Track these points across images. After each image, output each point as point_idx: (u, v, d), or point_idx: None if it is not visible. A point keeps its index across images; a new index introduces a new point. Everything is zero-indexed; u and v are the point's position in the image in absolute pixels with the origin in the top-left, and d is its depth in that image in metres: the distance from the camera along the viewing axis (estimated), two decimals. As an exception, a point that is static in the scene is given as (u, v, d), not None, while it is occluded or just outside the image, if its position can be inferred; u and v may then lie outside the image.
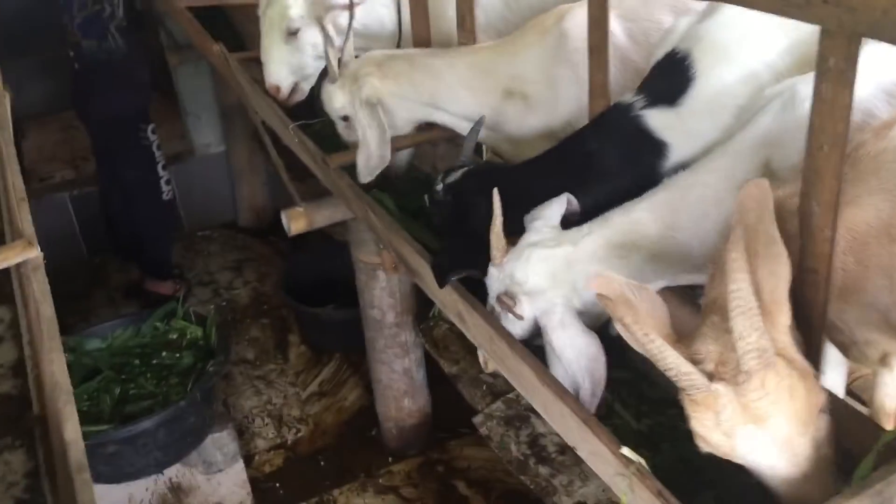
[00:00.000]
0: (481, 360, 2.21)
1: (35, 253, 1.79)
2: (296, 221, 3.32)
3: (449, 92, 2.44)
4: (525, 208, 1.94)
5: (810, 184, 1.42)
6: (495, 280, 1.76)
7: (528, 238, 1.77)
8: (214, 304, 5.44)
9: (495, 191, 1.78)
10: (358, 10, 2.82)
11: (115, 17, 4.57)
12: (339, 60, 2.51)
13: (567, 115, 2.41)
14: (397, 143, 2.50)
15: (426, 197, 2.15)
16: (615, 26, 2.20)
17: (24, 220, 1.92)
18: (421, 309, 3.90)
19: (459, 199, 2.05)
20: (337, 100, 2.49)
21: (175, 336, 3.94)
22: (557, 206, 1.81)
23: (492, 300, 1.76)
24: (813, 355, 1.57)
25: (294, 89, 2.90)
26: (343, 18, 2.67)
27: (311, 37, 2.74)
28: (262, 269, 5.90)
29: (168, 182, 5.04)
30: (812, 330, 1.54)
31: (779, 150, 1.65)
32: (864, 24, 1.24)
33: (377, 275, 3.75)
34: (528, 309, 1.70)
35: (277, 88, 2.82)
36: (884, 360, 1.62)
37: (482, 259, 2.00)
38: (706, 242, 1.65)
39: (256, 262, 5.96)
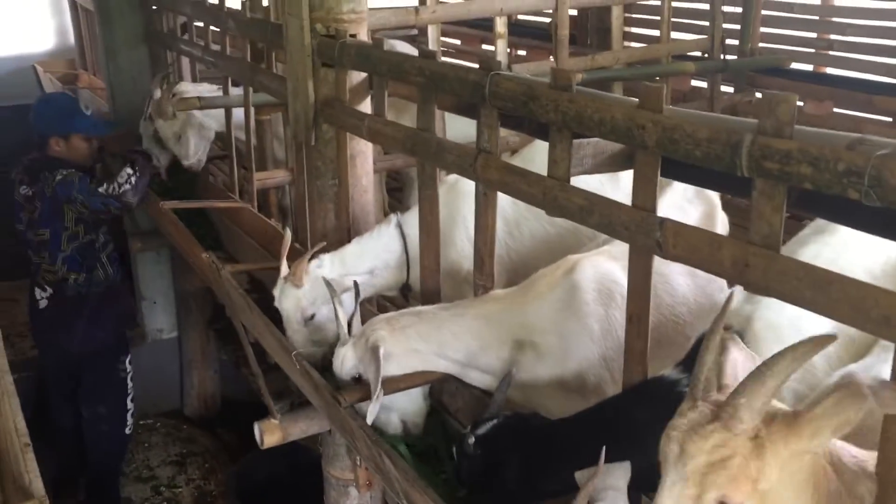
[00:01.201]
0: None
1: (48, 517, 1.64)
2: (270, 434, 3.19)
3: (456, 342, 2.43)
4: (561, 466, 1.89)
5: (887, 496, 1.42)
6: None
7: None
8: (152, 504, 5.12)
9: (603, 450, 1.73)
10: (364, 261, 2.94)
11: (108, 245, 4.52)
12: (350, 325, 2.52)
13: (578, 366, 2.42)
14: (410, 381, 2.45)
15: (454, 448, 2.07)
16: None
17: (32, 471, 1.78)
18: (389, 527, 3.73)
19: (491, 454, 1.99)
20: (349, 360, 2.46)
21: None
22: (622, 474, 1.78)
23: None
24: None
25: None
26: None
27: (327, 313, 2.83)
28: (206, 464, 5.62)
29: (132, 414, 4.88)
30: None
31: None
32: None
33: (348, 491, 3.59)
34: None
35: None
36: None
37: None
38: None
39: (201, 458, 5.68)
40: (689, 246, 1.75)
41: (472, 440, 2.01)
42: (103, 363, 4.61)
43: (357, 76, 3.16)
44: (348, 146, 3.21)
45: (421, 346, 2.42)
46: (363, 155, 3.34)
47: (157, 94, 4.39)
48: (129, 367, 4.73)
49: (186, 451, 5.73)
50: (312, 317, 2.88)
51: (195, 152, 4.56)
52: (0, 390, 2.14)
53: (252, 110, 4.18)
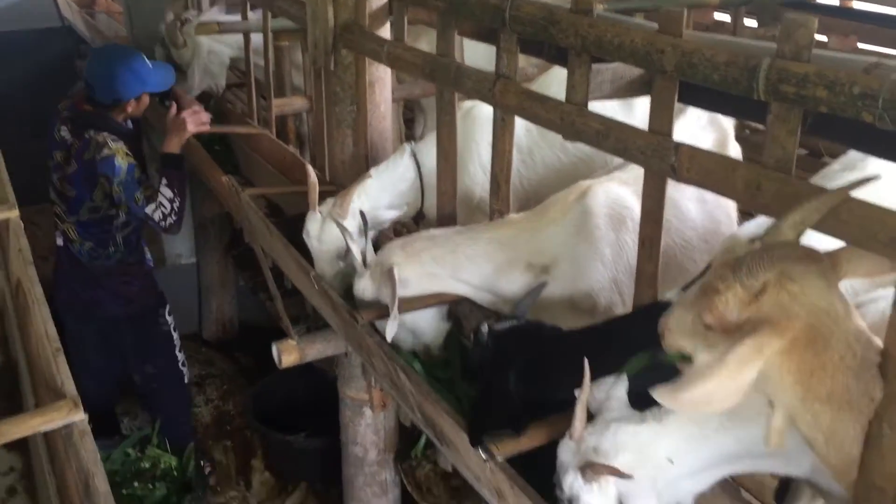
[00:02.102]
0: None
1: (81, 416, 1.73)
2: (287, 354, 3.28)
3: (471, 265, 2.48)
4: (565, 374, 1.96)
5: (885, 407, 1.48)
6: (574, 454, 1.75)
7: (608, 415, 1.77)
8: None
9: (585, 361, 1.79)
10: (385, 193, 2.97)
11: (128, 226, 4.13)
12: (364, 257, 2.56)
13: (589, 290, 2.46)
14: (425, 302, 2.51)
15: (471, 335, 2.14)
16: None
17: (64, 374, 1.86)
18: (402, 447, 3.85)
19: (502, 351, 2.06)
20: (368, 290, 2.51)
21: (148, 465, 3.78)
22: (622, 386, 1.84)
23: (569, 476, 1.73)
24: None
25: None
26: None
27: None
28: (224, 386, 5.75)
29: (184, 364, 4.55)
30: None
31: None
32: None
33: (363, 411, 3.70)
34: (613, 487, 1.68)
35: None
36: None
37: (515, 418, 2.00)
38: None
39: (219, 380, 5.81)
40: (704, 169, 1.78)
41: (486, 331, 2.07)
42: (140, 322, 4.30)
43: (377, 1, 3.15)
44: (367, 72, 3.23)
45: (436, 269, 2.47)
46: (382, 81, 3.36)
47: (170, 16, 4.38)
48: (170, 319, 4.40)
49: (205, 374, 5.86)
50: (345, 255, 2.86)
51: (199, 85, 4.58)
52: (31, 299, 2.22)
53: (271, 36, 4.18)
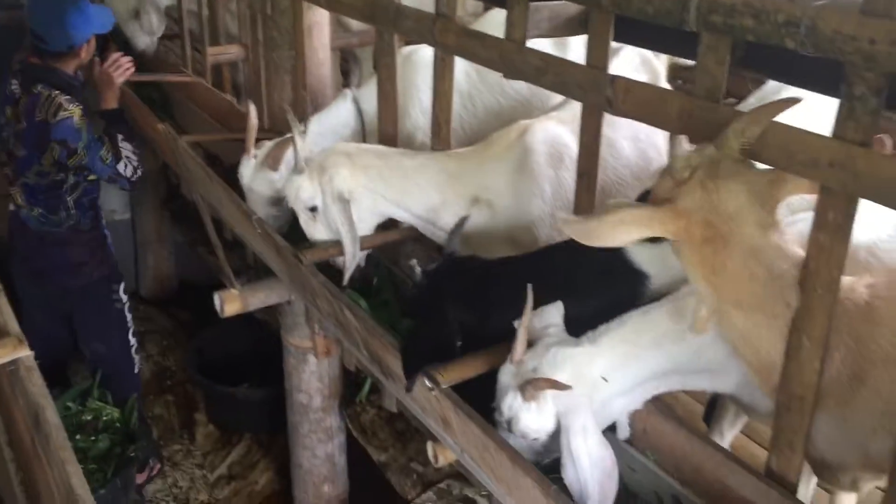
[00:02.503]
0: (430, 452, 2.23)
1: (27, 351, 1.73)
2: (230, 304, 3.28)
3: (420, 193, 2.52)
4: (501, 303, 2.03)
5: (802, 320, 1.57)
6: (512, 375, 1.82)
7: (546, 339, 1.85)
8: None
9: (529, 286, 1.86)
10: (327, 140, 2.95)
11: (77, 189, 3.82)
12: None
13: (529, 224, 2.53)
14: (366, 243, 2.55)
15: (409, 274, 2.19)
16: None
17: (7, 315, 1.86)
18: (347, 394, 3.90)
19: (434, 284, 2.12)
20: (305, 190, 2.51)
21: (90, 418, 3.75)
22: (557, 312, 1.91)
23: (508, 397, 1.80)
24: (794, 476, 1.71)
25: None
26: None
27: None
28: (164, 342, 5.71)
29: (137, 350, 4.27)
30: (793, 454, 1.68)
31: None
32: (867, 188, 1.42)
33: (307, 358, 3.73)
34: (551, 405, 1.76)
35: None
36: (853, 485, 1.77)
37: (449, 349, 2.06)
38: (716, 344, 1.79)
39: (159, 335, 5.76)
40: (638, 101, 1.84)
41: (419, 270, 2.13)
42: (92, 295, 4.02)
43: (314, -57, 3.13)
44: (305, 16, 3.21)
45: (381, 189, 2.50)
46: (319, 26, 3.34)
47: None
48: (124, 297, 4.11)
49: (144, 330, 5.78)
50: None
51: (157, 29, 4.46)
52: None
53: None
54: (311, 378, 3.78)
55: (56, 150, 3.62)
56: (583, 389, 1.77)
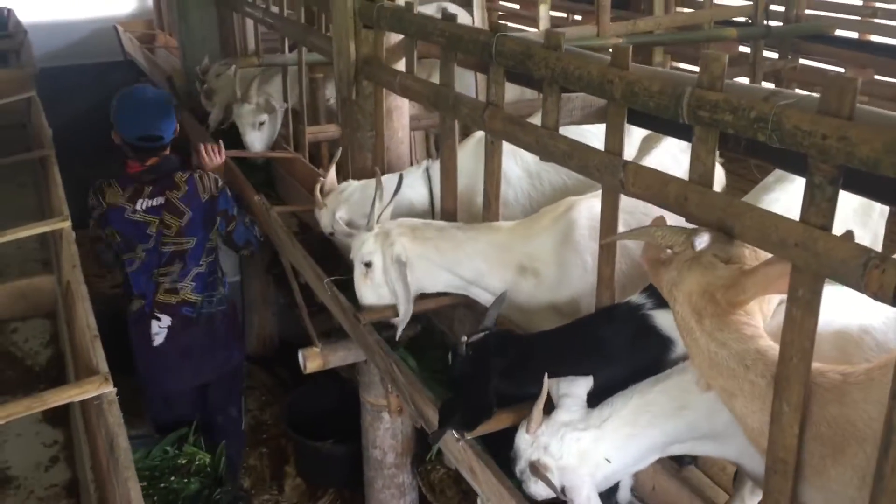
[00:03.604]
0: None
1: (110, 388, 2.04)
2: (312, 360, 3.57)
3: (469, 262, 2.75)
4: (537, 375, 2.22)
5: (781, 388, 1.70)
6: (528, 446, 2.02)
7: (560, 416, 2.04)
8: (216, 430, 5.57)
9: (546, 376, 2.08)
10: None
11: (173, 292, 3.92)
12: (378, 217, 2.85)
13: (572, 293, 2.72)
14: (422, 305, 2.79)
15: (450, 352, 2.40)
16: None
17: (99, 356, 2.18)
18: (419, 452, 4.10)
19: (478, 357, 2.32)
20: (367, 246, 2.78)
21: (184, 461, 4.09)
22: (584, 385, 2.10)
23: (522, 463, 2.01)
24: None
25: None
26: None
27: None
28: (263, 398, 6.07)
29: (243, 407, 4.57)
30: (781, 514, 1.79)
31: None
32: (826, 267, 1.57)
33: (382, 416, 3.96)
34: (557, 480, 1.96)
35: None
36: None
37: (485, 412, 2.25)
38: (713, 415, 1.93)
39: (259, 391, 6.14)
40: (644, 184, 2.04)
41: (464, 345, 2.34)
42: (237, 379, 4.41)
43: (395, 37, 3.48)
44: (385, 101, 3.55)
45: (437, 259, 2.75)
46: (399, 110, 3.68)
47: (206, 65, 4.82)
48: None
49: (246, 386, 6.16)
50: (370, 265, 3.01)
51: (216, 118, 4.97)
52: (77, 297, 2.56)
53: (305, 68, 4.55)
54: (386, 435, 4.02)
55: (218, 221, 3.88)
56: (587, 469, 1.96)
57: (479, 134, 3.40)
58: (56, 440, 2.48)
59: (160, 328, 3.87)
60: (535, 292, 2.73)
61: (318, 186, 3.33)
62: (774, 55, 6.08)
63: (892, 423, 1.37)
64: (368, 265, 2.78)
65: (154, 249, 3.82)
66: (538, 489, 1.99)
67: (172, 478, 4.02)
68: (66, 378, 2.72)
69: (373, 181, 3.26)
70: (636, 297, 2.26)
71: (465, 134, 3.48)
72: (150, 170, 3.77)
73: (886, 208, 2.81)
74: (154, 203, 3.78)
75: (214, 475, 4.09)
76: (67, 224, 2.96)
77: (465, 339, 2.36)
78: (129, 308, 3.91)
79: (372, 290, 2.80)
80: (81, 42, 8.16)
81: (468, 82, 4.66)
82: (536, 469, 1.96)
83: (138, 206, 3.76)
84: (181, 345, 3.93)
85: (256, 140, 4.76)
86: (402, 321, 2.71)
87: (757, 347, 1.73)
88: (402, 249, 2.72)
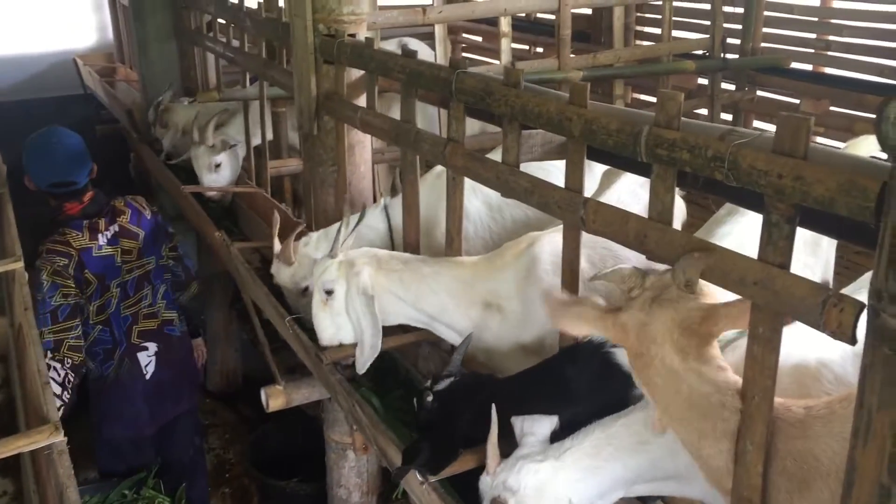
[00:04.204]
0: None
1: (61, 437, 1.98)
2: (274, 399, 3.51)
3: (434, 297, 2.72)
4: (503, 419, 2.19)
5: (745, 426, 1.70)
6: (488, 486, 1.98)
7: (519, 451, 2.01)
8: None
9: (493, 409, 2.04)
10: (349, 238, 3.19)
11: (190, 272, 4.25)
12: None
13: (536, 331, 2.69)
14: (385, 343, 2.75)
15: (415, 400, 2.37)
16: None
17: (49, 404, 2.12)
18: (384, 490, 4.03)
19: (445, 406, 2.29)
20: (330, 273, 2.72)
21: (143, 505, 3.99)
22: (548, 424, 2.07)
23: (484, 502, 1.97)
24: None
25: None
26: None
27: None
28: (226, 435, 5.97)
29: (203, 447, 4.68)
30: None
31: None
32: (785, 305, 1.57)
33: (347, 454, 3.90)
34: None
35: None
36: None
37: (443, 459, 2.22)
38: (676, 454, 1.91)
39: (221, 429, 6.03)
40: (605, 221, 2.03)
41: (430, 396, 2.31)
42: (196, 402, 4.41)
43: (355, 73, 3.47)
44: (347, 136, 3.53)
45: (401, 292, 2.70)
46: (362, 144, 3.66)
47: (167, 97, 4.78)
48: None
49: (209, 423, 6.07)
50: (306, 289, 3.18)
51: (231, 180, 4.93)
52: (29, 341, 2.49)
53: (267, 102, 4.52)
54: (350, 473, 3.95)
55: (164, 237, 4.04)
56: (548, 502, 1.92)
57: (439, 168, 3.40)
58: (6, 491, 2.40)
59: (149, 357, 3.91)
60: (500, 330, 2.70)
61: (290, 241, 3.22)
62: (732, 87, 6.19)
63: (854, 460, 1.36)
64: (329, 293, 2.72)
65: (123, 281, 3.86)
66: None
67: (131, 522, 3.92)
68: (17, 424, 2.64)
69: (332, 227, 3.24)
70: (597, 336, 2.25)
71: (429, 167, 3.47)
72: (90, 205, 3.81)
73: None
74: (110, 233, 3.82)
75: (175, 518, 3.99)
76: (20, 265, 2.89)
77: (429, 384, 2.33)
78: (103, 374, 3.86)
79: (330, 319, 2.73)
80: (40, 75, 8.06)
81: (431, 112, 4.66)
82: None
83: (101, 241, 3.79)
84: (171, 370, 3.99)
85: (213, 183, 4.73)
86: (368, 355, 2.66)
87: (733, 381, 1.72)
88: (368, 279, 2.68)
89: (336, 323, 2.73)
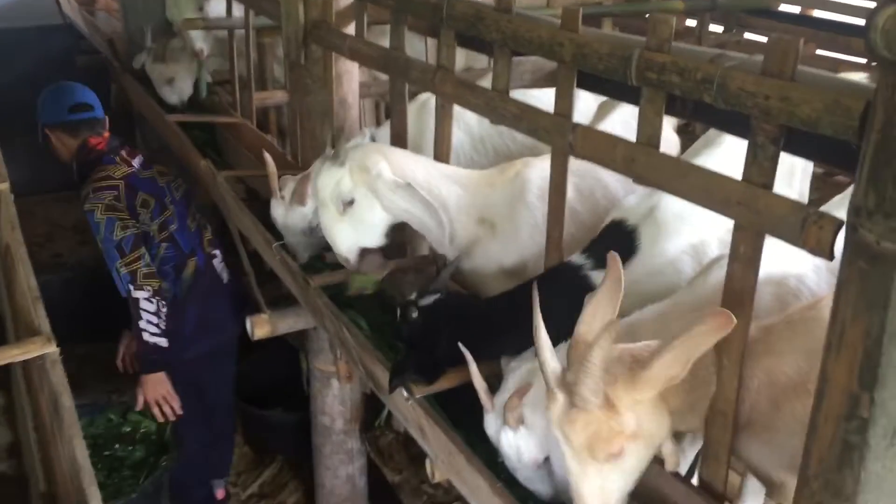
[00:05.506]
0: (428, 469, 2.43)
1: (54, 348, 2.01)
2: (260, 328, 3.56)
3: (447, 186, 2.65)
4: (483, 337, 2.24)
5: (722, 341, 1.75)
6: (493, 418, 2.00)
7: (510, 382, 2.04)
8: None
9: (461, 346, 2.08)
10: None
11: (207, 228, 4.19)
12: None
13: (522, 253, 2.72)
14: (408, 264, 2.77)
15: (398, 311, 2.38)
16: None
17: (41, 317, 2.14)
18: (367, 418, 4.12)
19: (428, 322, 2.33)
20: (345, 184, 2.60)
21: (129, 429, 4.05)
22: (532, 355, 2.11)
23: (499, 439, 1.97)
24: (720, 486, 1.88)
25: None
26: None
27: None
28: (209, 367, 6.03)
29: None
30: (719, 465, 1.85)
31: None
32: (766, 224, 1.61)
33: (331, 383, 3.98)
34: (532, 415, 1.92)
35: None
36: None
37: (431, 372, 2.27)
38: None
39: (205, 360, 6.08)
40: (593, 146, 2.06)
41: (414, 312, 2.35)
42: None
43: (343, 1, 3.44)
44: (334, 65, 3.51)
45: (419, 174, 2.63)
46: (349, 74, 3.64)
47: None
48: None
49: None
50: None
51: (186, 95, 4.96)
52: (17, 259, 2.50)
53: (252, 32, 4.47)
54: (334, 402, 4.04)
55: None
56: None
57: (423, 97, 3.39)
58: (-3, 404, 2.44)
59: (220, 263, 4.10)
60: (490, 245, 2.69)
61: (273, 177, 3.16)
62: (720, 29, 6.16)
63: (826, 371, 1.42)
64: (351, 203, 2.62)
65: (174, 198, 3.98)
66: (530, 443, 1.94)
67: (117, 445, 4.00)
68: (6, 340, 2.67)
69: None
70: (576, 257, 2.29)
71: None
72: (112, 140, 3.93)
73: (809, 168, 2.89)
74: (141, 158, 3.95)
75: (159, 442, 4.06)
76: (6, 186, 2.89)
77: (414, 297, 2.36)
78: (182, 279, 3.90)
79: (350, 227, 2.64)
80: (18, 4, 7.88)
81: (418, 48, 4.62)
82: (509, 415, 1.90)
83: (136, 165, 3.90)
84: (236, 277, 4.12)
85: (169, 96, 4.89)
86: (449, 243, 2.61)
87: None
88: (390, 174, 2.56)
89: (358, 230, 2.64)
